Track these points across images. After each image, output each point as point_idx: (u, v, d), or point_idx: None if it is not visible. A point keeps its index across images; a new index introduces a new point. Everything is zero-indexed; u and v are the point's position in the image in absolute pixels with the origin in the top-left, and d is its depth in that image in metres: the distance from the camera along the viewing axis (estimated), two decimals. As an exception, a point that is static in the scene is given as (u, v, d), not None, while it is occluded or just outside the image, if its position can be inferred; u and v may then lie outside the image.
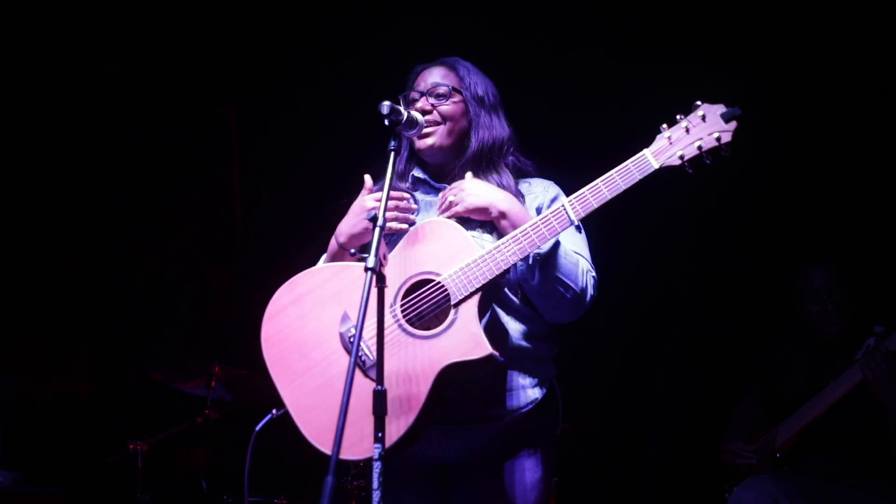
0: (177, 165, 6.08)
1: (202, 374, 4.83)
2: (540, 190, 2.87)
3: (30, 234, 5.65)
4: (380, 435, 2.31)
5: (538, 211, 2.81)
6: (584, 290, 2.71)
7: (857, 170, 4.63)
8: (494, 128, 2.90)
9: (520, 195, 2.85)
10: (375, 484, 2.28)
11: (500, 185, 2.83)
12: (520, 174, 2.91)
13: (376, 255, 2.38)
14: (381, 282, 2.41)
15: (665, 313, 5.09)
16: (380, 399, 2.33)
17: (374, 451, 2.30)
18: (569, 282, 2.68)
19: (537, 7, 4.94)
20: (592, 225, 2.77)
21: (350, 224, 2.80)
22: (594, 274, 2.76)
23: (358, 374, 2.57)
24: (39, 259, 5.68)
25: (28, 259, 5.63)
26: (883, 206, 4.57)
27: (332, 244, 2.84)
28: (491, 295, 2.67)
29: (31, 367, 5.61)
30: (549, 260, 2.65)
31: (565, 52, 4.93)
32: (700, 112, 2.60)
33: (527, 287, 2.72)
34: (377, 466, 2.29)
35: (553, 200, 2.84)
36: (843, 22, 4.47)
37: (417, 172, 2.96)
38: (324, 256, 2.90)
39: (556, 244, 2.66)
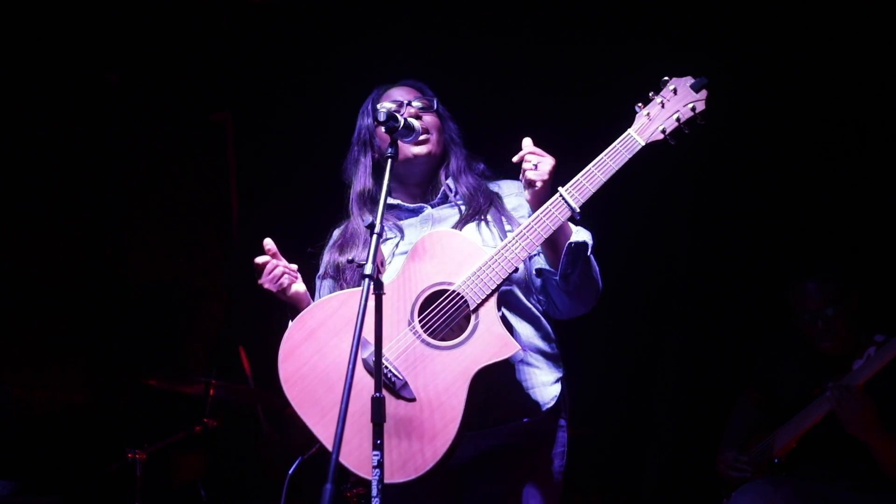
0: (173, 173, 6.08)
1: (200, 381, 4.82)
2: (515, 191, 2.94)
3: (25, 241, 5.64)
4: (378, 442, 2.31)
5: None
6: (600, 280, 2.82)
7: (857, 173, 4.62)
8: (462, 144, 3.02)
9: (496, 197, 2.92)
10: (375, 492, 2.28)
11: (480, 190, 2.91)
12: (488, 178, 3.00)
13: (374, 261, 2.39)
14: (378, 288, 2.41)
15: (664, 318, 5.09)
16: (378, 406, 2.33)
17: (373, 458, 2.30)
18: (597, 274, 2.79)
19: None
20: (592, 228, 2.79)
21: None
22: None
23: (390, 397, 2.54)
24: (35, 266, 5.67)
25: (23, 266, 5.62)
26: (885, 210, 4.56)
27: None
28: (502, 295, 2.68)
29: (27, 374, 5.60)
30: (590, 254, 2.73)
31: (530, 41, 4.94)
32: (671, 86, 2.73)
33: (562, 282, 2.73)
34: (376, 474, 2.29)
35: None
36: (845, 20, 4.47)
37: (390, 199, 2.96)
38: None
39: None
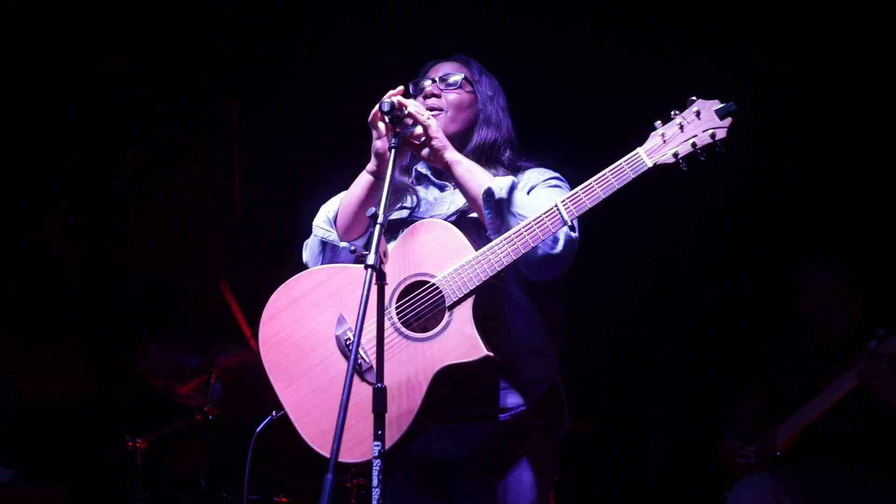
0: (177, 162, 6.07)
1: (201, 372, 4.80)
2: (534, 175, 2.87)
3: (27, 230, 5.64)
4: (379, 433, 2.30)
5: (531, 189, 2.81)
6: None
7: (861, 166, 4.61)
8: (500, 127, 2.93)
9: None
10: (375, 482, 2.28)
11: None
12: (516, 170, 2.90)
13: (377, 252, 2.37)
14: (381, 279, 2.40)
15: (666, 312, 5.08)
16: (380, 396, 2.32)
17: (373, 448, 2.30)
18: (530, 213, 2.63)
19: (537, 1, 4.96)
20: (594, 221, 2.74)
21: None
22: (572, 235, 2.66)
23: (355, 378, 2.56)
24: (37, 255, 5.67)
25: (25, 255, 5.62)
26: (887, 204, 4.55)
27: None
28: (488, 294, 2.65)
29: (29, 363, 5.60)
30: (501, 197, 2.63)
31: (564, 44, 4.93)
32: (695, 108, 2.58)
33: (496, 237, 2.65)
34: (377, 464, 2.29)
35: (546, 181, 2.84)
36: (856, 18, 4.45)
37: (421, 168, 2.97)
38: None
39: (512, 190, 2.64)
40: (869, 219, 4.61)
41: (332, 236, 2.85)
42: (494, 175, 2.78)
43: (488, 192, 2.63)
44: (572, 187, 2.66)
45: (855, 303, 3.98)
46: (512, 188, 2.64)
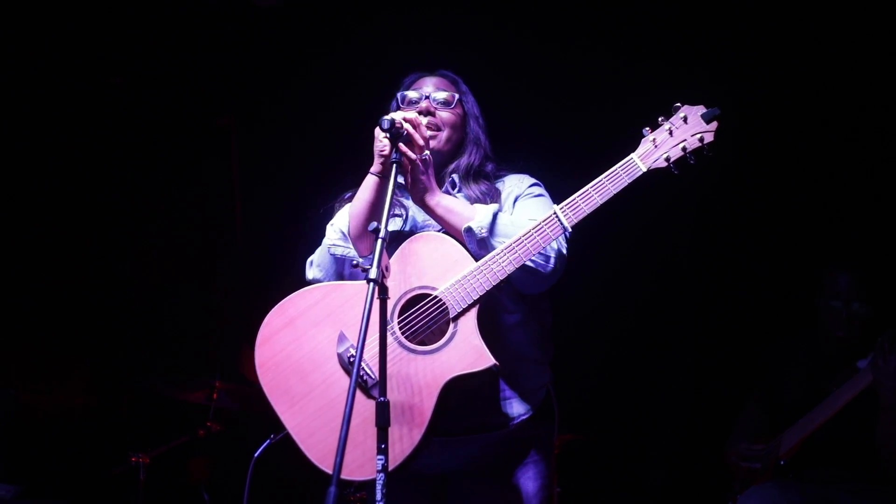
0: (177, 177, 6.09)
1: (204, 386, 4.82)
2: (514, 182, 2.91)
3: (29, 245, 5.64)
4: (383, 446, 2.30)
5: (516, 200, 2.85)
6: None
7: (865, 171, 4.61)
8: (486, 146, 2.97)
9: (497, 193, 2.88)
10: (379, 496, 2.28)
11: (487, 195, 2.85)
12: (497, 178, 2.94)
13: (378, 265, 2.37)
14: (383, 293, 2.40)
15: (667, 320, 5.09)
16: (383, 410, 2.33)
17: (376, 462, 2.30)
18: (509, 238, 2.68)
19: (523, 8, 4.98)
20: (592, 229, 2.76)
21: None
22: (563, 250, 2.72)
23: (360, 395, 2.56)
24: (38, 270, 5.68)
25: (26, 270, 5.62)
26: (885, 216, 4.56)
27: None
28: (487, 304, 2.66)
29: (31, 379, 5.60)
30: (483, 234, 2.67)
31: (548, 52, 4.95)
32: (681, 114, 2.68)
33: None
34: (380, 478, 2.28)
35: (529, 189, 2.88)
36: (859, 20, 4.46)
37: (401, 178, 2.96)
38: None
39: (494, 220, 2.68)
40: (875, 225, 4.60)
41: (350, 252, 2.82)
42: (478, 197, 2.82)
43: (468, 230, 2.67)
44: (552, 194, 2.71)
45: (860, 316, 3.97)
46: (494, 219, 2.68)
